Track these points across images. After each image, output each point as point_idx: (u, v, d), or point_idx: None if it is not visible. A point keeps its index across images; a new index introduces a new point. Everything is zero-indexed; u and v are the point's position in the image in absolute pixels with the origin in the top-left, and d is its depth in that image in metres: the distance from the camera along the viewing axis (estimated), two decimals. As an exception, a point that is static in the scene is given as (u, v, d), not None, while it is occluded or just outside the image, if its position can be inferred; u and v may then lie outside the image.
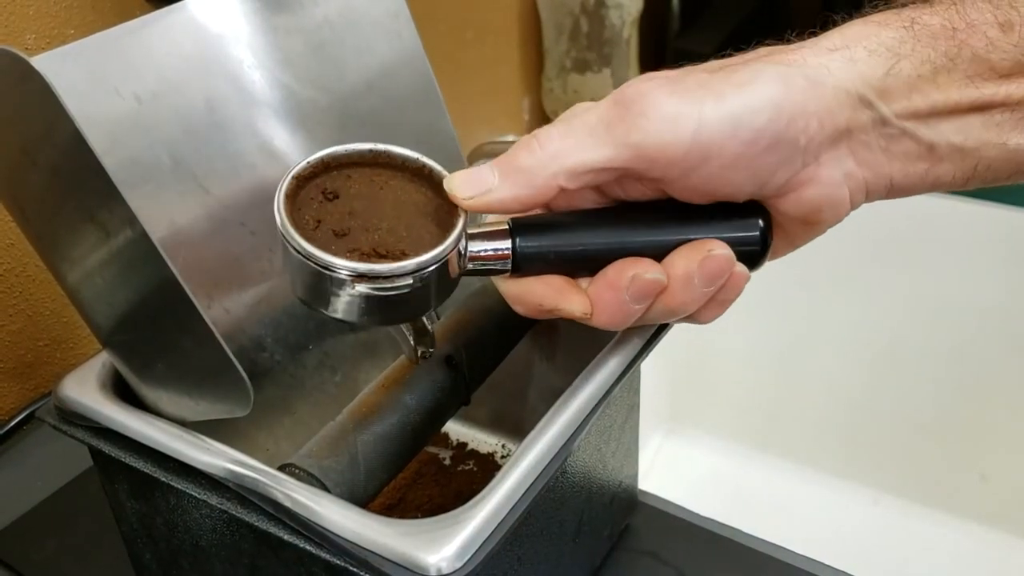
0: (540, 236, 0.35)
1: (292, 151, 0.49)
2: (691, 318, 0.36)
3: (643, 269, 0.34)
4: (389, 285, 0.32)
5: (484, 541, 0.33)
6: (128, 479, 0.42)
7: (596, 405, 0.39)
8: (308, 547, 0.34)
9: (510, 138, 1.00)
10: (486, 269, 0.35)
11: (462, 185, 0.34)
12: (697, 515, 0.52)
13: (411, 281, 0.32)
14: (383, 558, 0.33)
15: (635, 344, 0.42)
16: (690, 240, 0.35)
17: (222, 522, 0.39)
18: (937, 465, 0.93)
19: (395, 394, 0.41)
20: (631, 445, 0.49)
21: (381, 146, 0.35)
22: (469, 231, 0.34)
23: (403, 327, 0.38)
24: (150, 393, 0.40)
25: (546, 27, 1.06)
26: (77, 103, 0.32)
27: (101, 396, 0.40)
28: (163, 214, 0.44)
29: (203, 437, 0.37)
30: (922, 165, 0.34)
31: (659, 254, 0.35)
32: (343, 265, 0.32)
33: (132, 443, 0.38)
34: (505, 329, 0.46)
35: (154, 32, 0.43)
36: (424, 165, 0.35)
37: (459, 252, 0.34)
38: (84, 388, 0.40)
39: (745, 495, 0.97)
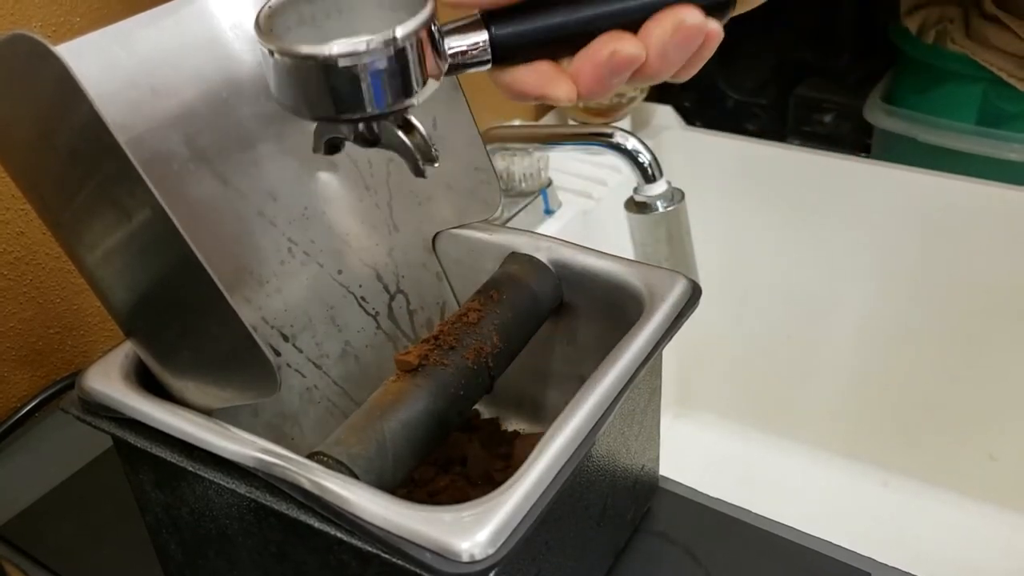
0: (513, 20, 0.36)
1: (308, 142, 0.48)
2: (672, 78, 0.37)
3: (622, 45, 0.35)
4: (368, 58, 0.33)
5: (516, 526, 0.33)
6: (153, 469, 0.41)
7: (623, 388, 0.38)
8: (339, 534, 0.33)
9: (516, 122, 0.99)
10: (468, 63, 0.36)
11: None
12: (714, 499, 0.52)
13: (390, 52, 0.33)
14: (415, 544, 0.32)
15: (659, 327, 0.41)
16: (664, 5, 0.35)
17: (250, 511, 0.38)
18: (946, 445, 0.94)
19: (420, 382, 0.41)
20: (653, 428, 0.49)
21: None
22: (443, 28, 0.36)
23: (405, 140, 0.37)
24: (175, 382, 0.39)
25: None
26: (95, 90, 0.31)
27: (125, 387, 0.40)
28: (181, 200, 0.43)
29: (229, 427, 0.37)
30: None
31: (634, 23, 0.35)
32: (318, 50, 0.33)
33: (158, 433, 0.38)
34: (528, 316, 0.46)
35: (168, 24, 0.43)
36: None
37: (437, 50, 0.35)
38: (108, 379, 0.40)
39: (754, 477, 0.97)
